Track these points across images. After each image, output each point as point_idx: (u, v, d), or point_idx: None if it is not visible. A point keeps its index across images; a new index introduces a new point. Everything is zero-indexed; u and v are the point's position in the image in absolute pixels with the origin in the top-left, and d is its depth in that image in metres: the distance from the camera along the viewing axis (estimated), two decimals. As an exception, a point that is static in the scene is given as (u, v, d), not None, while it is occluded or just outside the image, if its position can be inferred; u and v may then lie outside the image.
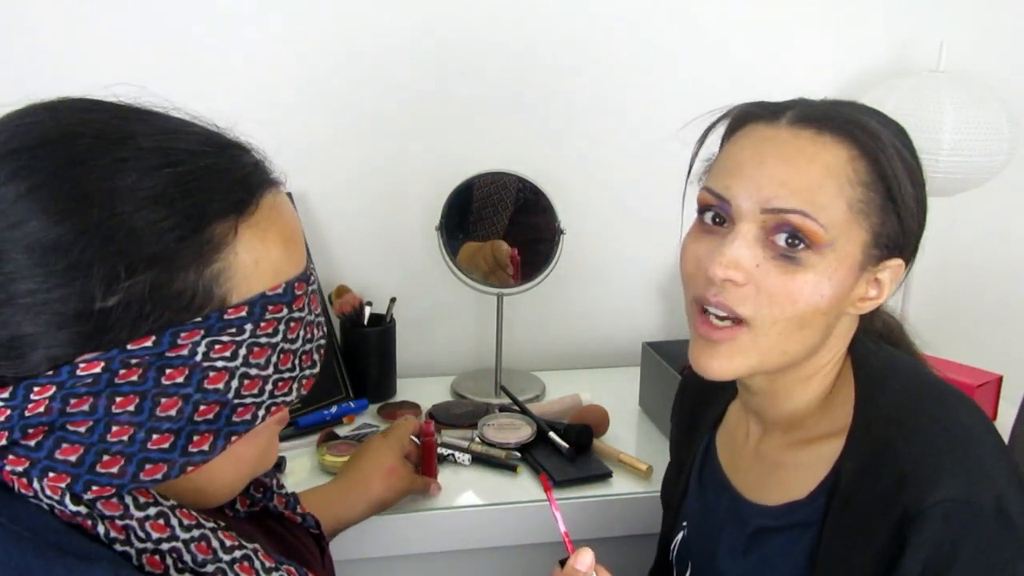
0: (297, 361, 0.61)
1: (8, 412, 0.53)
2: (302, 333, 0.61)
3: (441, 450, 1.31)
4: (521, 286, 1.53)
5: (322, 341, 0.65)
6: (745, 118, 0.81)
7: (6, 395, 0.53)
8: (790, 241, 0.74)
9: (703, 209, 0.80)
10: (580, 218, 1.58)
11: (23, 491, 0.55)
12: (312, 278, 0.63)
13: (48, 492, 0.55)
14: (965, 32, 1.68)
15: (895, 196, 0.76)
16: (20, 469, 0.54)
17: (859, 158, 0.75)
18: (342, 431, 1.40)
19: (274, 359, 0.59)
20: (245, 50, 1.49)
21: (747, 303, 0.75)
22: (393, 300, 1.55)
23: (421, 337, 1.67)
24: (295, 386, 0.62)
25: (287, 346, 0.60)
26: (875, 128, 0.77)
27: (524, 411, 1.43)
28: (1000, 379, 1.50)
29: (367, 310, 1.52)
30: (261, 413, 0.59)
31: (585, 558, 0.75)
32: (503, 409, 1.47)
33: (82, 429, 0.54)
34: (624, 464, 1.32)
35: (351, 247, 1.61)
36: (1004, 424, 1.24)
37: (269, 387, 0.59)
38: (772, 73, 1.67)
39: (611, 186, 1.66)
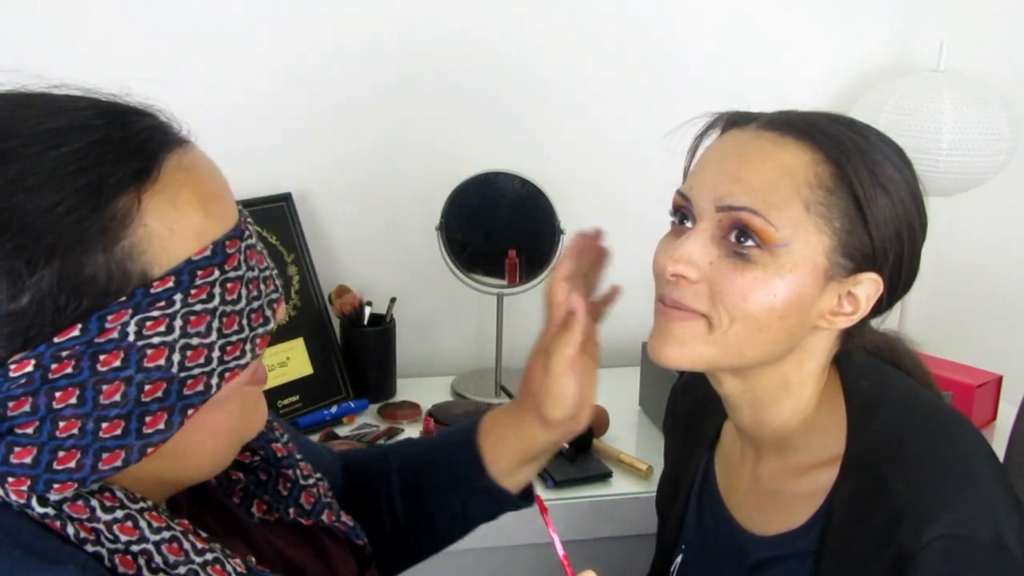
0: (245, 322, 0.58)
1: None
2: (244, 292, 0.58)
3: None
4: (521, 286, 1.53)
5: (274, 295, 0.61)
6: (725, 126, 0.82)
7: None
8: (742, 239, 0.74)
9: (675, 211, 0.81)
10: (580, 218, 1.58)
11: None
12: (247, 233, 0.59)
13: (14, 497, 0.54)
14: (965, 32, 1.67)
15: (862, 205, 0.74)
16: None
17: (823, 162, 0.75)
18: (342, 431, 1.40)
19: (215, 324, 0.56)
20: (246, 51, 1.49)
21: (701, 299, 0.76)
22: (393, 300, 1.55)
23: (421, 337, 1.67)
24: (247, 347, 0.58)
25: (228, 308, 0.57)
26: (843, 135, 0.76)
27: (524, 411, 1.43)
28: (1000, 379, 1.50)
29: (367, 310, 1.52)
30: (215, 381, 0.57)
31: None
32: (503, 409, 1.47)
33: (30, 430, 0.52)
34: (624, 464, 1.32)
35: (351, 247, 1.61)
36: (1004, 424, 1.24)
37: (216, 353, 0.56)
38: (772, 73, 1.67)
39: (611, 186, 1.66)
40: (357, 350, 1.52)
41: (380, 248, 1.63)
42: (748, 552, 0.86)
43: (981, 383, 1.46)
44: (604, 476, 1.29)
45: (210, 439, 0.60)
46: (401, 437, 1.41)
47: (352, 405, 1.46)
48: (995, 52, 1.72)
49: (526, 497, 0.89)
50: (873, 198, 0.74)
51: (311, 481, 0.76)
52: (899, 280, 0.79)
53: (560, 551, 0.75)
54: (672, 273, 0.76)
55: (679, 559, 0.95)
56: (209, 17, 1.46)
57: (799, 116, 0.79)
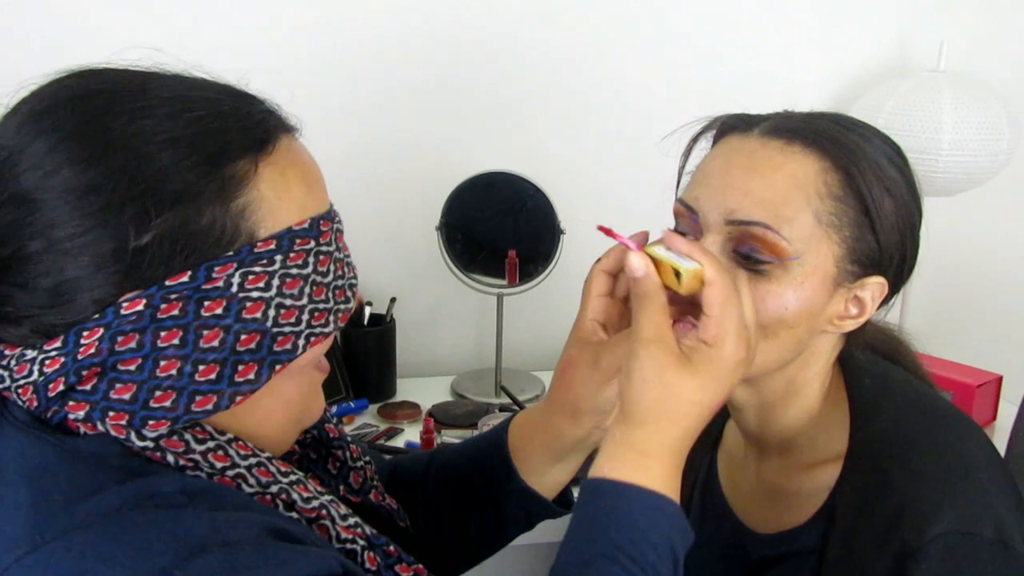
0: (330, 294, 0.64)
1: (62, 359, 0.57)
2: (332, 268, 0.64)
3: (441, 450, 1.31)
4: (521, 286, 1.53)
5: (354, 281, 0.68)
6: (723, 130, 0.81)
7: (58, 344, 0.57)
8: (754, 253, 0.73)
9: (677, 220, 0.80)
10: (580, 218, 1.58)
11: (89, 432, 0.58)
12: (337, 218, 0.67)
13: (114, 432, 0.58)
14: (965, 32, 1.68)
15: (870, 212, 0.74)
16: (82, 414, 0.57)
17: (831, 170, 0.74)
18: (342, 431, 1.40)
19: (307, 290, 0.61)
20: (244, 50, 1.49)
21: None
22: (393, 300, 1.55)
23: (421, 337, 1.67)
24: (331, 318, 0.64)
25: (318, 278, 0.62)
26: (849, 140, 0.75)
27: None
28: (1000, 379, 1.50)
29: (367, 310, 1.52)
30: (301, 343, 0.62)
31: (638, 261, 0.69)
32: (503, 409, 1.47)
33: (132, 367, 0.57)
34: (624, 464, 1.31)
35: (351, 247, 1.60)
36: (1004, 424, 1.24)
37: (305, 317, 0.62)
38: (772, 73, 1.67)
39: (611, 186, 1.66)
40: (357, 350, 1.52)
41: (380, 248, 1.63)
42: (751, 550, 0.86)
43: (981, 383, 1.46)
44: (604, 476, 1.29)
45: (281, 410, 0.65)
46: (401, 437, 1.42)
47: (352, 405, 1.46)
48: (995, 52, 1.72)
49: (565, 504, 0.89)
50: (880, 203, 0.74)
51: (360, 463, 0.79)
52: (902, 277, 0.79)
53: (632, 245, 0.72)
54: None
55: None
56: (208, 19, 1.46)
57: (802, 121, 0.77)
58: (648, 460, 0.66)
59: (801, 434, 0.83)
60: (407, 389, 1.56)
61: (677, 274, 0.68)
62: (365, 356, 1.52)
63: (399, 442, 1.40)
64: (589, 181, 1.65)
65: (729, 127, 0.80)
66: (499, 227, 1.56)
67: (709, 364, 0.67)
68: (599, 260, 0.84)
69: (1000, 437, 1.37)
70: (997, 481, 0.74)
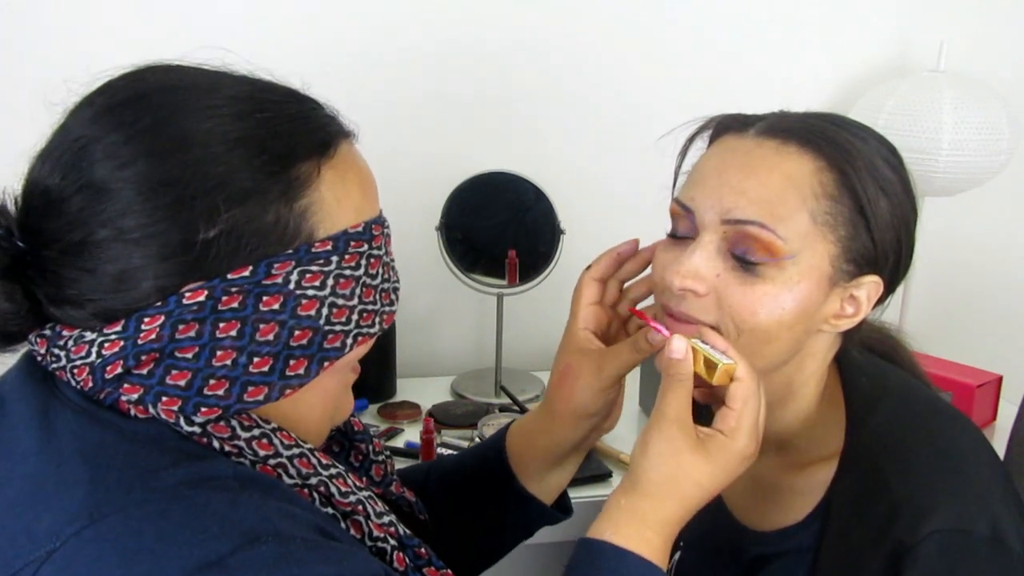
0: (378, 296, 0.66)
1: (121, 343, 0.58)
2: (381, 271, 0.66)
3: (441, 450, 1.31)
4: (521, 286, 1.53)
5: (398, 285, 0.70)
6: (718, 130, 0.81)
7: (118, 328, 0.58)
8: (749, 252, 0.73)
9: (673, 220, 0.80)
10: (580, 218, 1.58)
11: (140, 416, 0.59)
12: (387, 223, 0.69)
13: (164, 416, 0.59)
14: (965, 32, 1.68)
15: (865, 211, 0.74)
16: (135, 397, 0.59)
17: (825, 170, 0.74)
18: (342, 431, 1.40)
19: (358, 291, 0.64)
20: (243, 50, 1.49)
21: (710, 313, 0.75)
22: (393, 300, 1.55)
23: (421, 337, 1.67)
24: (377, 319, 0.66)
25: (369, 280, 0.65)
26: (844, 140, 0.75)
27: (524, 411, 1.43)
28: (1000, 379, 1.50)
29: (367, 310, 1.52)
30: (349, 342, 0.64)
31: (679, 345, 0.72)
32: (503, 409, 1.47)
33: (189, 355, 0.58)
34: (624, 464, 1.32)
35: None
36: (1004, 424, 1.24)
37: (355, 317, 0.64)
38: (772, 73, 1.67)
39: (611, 186, 1.66)
40: (357, 350, 1.51)
41: (380, 248, 1.62)
42: (746, 548, 0.86)
43: (981, 383, 1.46)
44: (604, 476, 1.29)
45: (320, 404, 0.67)
46: (401, 437, 1.42)
47: (352, 405, 1.46)
48: (995, 52, 1.72)
49: (563, 509, 0.90)
50: (876, 203, 0.74)
51: (380, 458, 0.81)
52: (897, 276, 0.79)
53: (665, 331, 0.76)
54: (680, 288, 0.75)
55: (677, 556, 0.96)
56: (207, 21, 1.46)
57: (797, 121, 0.78)
58: (649, 532, 0.70)
59: (798, 433, 0.83)
60: (407, 389, 1.56)
61: (707, 365, 0.72)
62: (365, 356, 1.51)
63: (399, 442, 1.40)
64: (589, 181, 1.65)
65: (725, 127, 0.81)
66: (499, 227, 1.56)
67: (721, 452, 0.71)
68: (588, 268, 0.85)
69: (1000, 437, 1.37)
70: (993, 479, 0.75)
